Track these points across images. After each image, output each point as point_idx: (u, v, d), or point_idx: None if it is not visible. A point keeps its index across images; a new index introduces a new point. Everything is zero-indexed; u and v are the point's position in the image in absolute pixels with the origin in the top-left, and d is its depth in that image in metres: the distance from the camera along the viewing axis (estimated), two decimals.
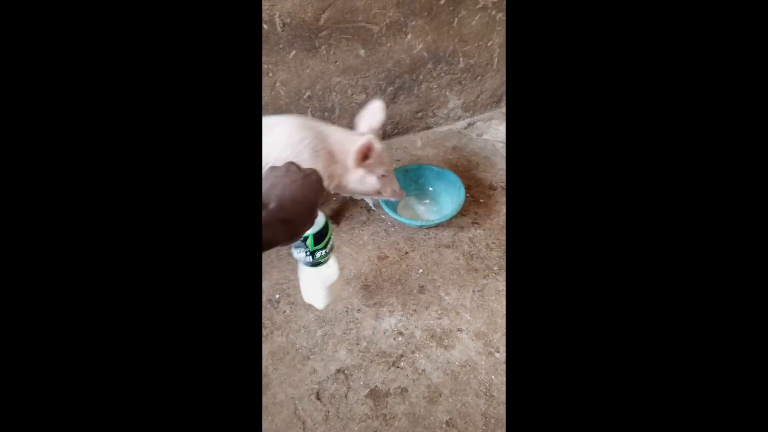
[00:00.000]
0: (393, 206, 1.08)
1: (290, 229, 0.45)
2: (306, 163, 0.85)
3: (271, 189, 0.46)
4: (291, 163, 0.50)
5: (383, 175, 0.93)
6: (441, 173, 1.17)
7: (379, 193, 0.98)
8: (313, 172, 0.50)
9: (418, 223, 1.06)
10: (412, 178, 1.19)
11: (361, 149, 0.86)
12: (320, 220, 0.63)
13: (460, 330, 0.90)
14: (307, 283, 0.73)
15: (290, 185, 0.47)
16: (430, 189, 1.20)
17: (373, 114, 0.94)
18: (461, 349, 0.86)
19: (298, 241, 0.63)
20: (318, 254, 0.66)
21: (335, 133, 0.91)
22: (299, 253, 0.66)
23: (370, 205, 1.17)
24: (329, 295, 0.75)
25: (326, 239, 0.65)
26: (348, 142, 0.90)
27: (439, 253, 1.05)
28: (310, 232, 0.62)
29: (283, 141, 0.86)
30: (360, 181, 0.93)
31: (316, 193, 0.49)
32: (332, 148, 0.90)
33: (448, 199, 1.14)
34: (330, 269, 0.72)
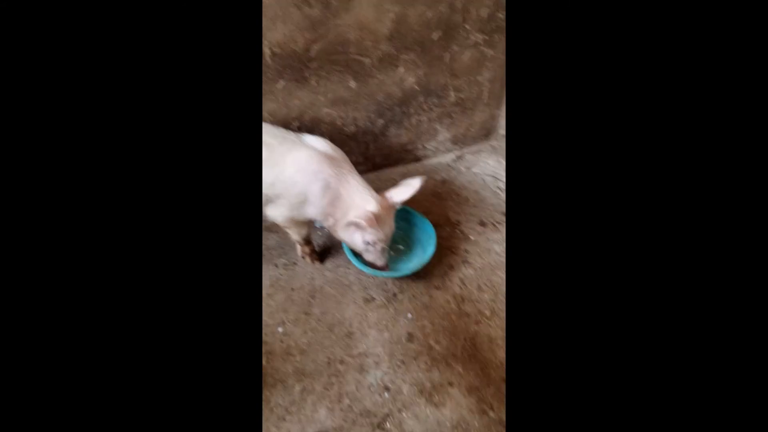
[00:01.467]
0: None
1: None
2: (313, 194, 0.86)
3: None
4: None
5: (372, 243, 0.90)
6: (421, 223, 1.10)
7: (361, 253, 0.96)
8: None
9: (370, 272, 0.97)
10: (398, 217, 1.14)
11: (364, 220, 0.83)
12: None
13: (450, 384, 0.83)
14: None
15: None
16: (408, 237, 1.13)
17: (407, 188, 0.90)
18: (452, 407, 0.80)
19: None
20: None
21: (353, 181, 0.88)
22: None
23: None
24: None
25: None
26: (359, 196, 0.87)
27: (429, 296, 1.00)
28: None
29: (302, 165, 0.84)
30: (349, 235, 0.91)
31: None
32: (343, 192, 0.87)
33: (420, 252, 1.08)
34: None
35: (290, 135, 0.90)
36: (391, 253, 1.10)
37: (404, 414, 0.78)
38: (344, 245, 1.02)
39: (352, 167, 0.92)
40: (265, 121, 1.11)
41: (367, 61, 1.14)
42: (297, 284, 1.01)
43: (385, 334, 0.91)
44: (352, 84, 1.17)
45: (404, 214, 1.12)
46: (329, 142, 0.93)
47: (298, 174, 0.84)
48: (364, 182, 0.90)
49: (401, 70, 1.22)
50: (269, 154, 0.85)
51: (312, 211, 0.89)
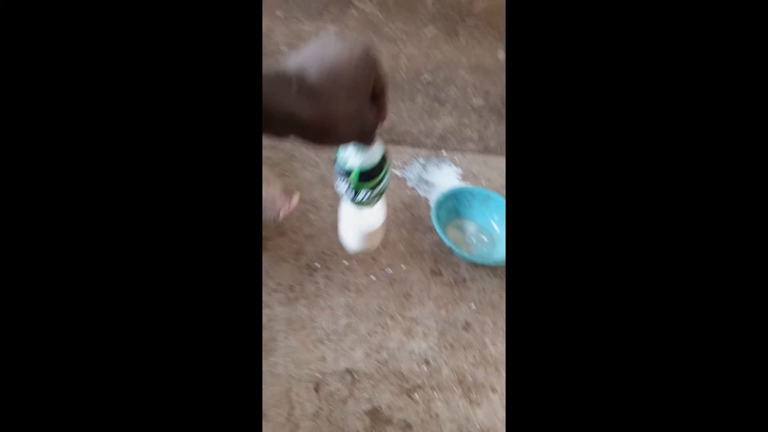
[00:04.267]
0: (443, 219, 0.98)
1: (320, 112, 0.35)
2: None
3: (308, 54, 0.36)
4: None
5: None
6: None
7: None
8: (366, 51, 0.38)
9: (454, 247, 0.90)
10: (492, 208, 1.05)
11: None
12: (376, 151, 0.48)
13: (493, 390, 0.76)
14: (345, 221, 0.61)
15: (333, 54, 0.36)
16: (497, 229, 1.05)
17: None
18: (488, 412, 0.72)
19: (342, 171, 0.50)
20: (361, 195, 0.52)
21: None
22: (341, 184, 0.53)
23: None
24: (365, 242, 0.63)
25: (376, 180, 0.51)
26: None
27: (500, 297, 0.91)
28: (357, 164, 0.48)
29: None
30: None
31: (367, 81, 0.38)
32: None
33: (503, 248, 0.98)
34: (373, 215, 0.58)
35: None
36: (473, 240, 1.03)
37: (436, 394, 0.73)
38: (432, 210, 0.97)
39: None
40: (400, 63, 1.08)
41: None
42: None
43: (442, 312, 0.86)
44: (501, 55, 1.08)
45: (502, 209, 1.04)
46: None
47: None
48: None
49: None
50: None
51: None
